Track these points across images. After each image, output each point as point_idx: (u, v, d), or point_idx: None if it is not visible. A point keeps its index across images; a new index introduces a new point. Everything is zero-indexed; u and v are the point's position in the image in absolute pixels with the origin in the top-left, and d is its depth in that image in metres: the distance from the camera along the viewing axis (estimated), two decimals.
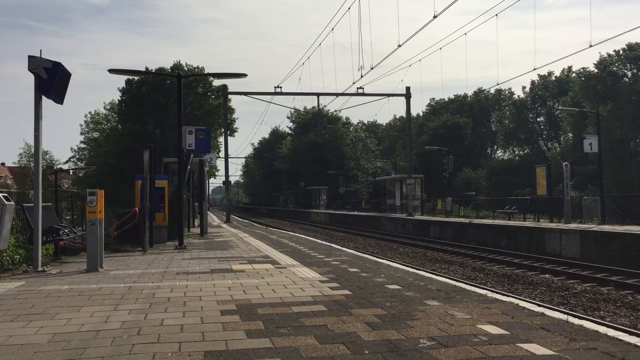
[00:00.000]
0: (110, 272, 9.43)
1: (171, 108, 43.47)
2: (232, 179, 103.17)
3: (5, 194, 9.36)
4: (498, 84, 72.56)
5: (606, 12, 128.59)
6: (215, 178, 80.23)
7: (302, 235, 21.94)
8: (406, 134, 37.07)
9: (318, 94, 36.00)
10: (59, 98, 10.05)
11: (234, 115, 51.01)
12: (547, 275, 13.97)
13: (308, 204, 65.34)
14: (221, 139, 48.03)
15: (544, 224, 21.13)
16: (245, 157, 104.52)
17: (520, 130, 64.59)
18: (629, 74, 48.55)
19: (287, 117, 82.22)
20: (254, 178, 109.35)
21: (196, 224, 23.86)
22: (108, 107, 59.53)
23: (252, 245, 14.92)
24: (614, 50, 49.33)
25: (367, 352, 4.29)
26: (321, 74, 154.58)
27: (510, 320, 5.29)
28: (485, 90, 72.68)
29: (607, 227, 17.77)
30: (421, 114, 75.94)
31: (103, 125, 60.04)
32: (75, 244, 13.65)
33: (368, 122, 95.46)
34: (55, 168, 49.29)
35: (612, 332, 4.86)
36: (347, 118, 79.07)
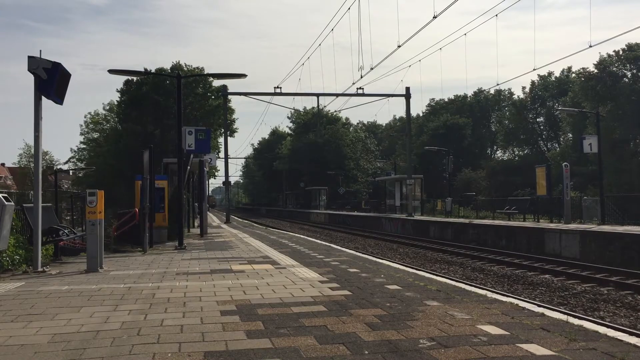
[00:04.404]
0: (110, 272, 9.43)
1: (171, 108, 43.44)
2: (232, 180, 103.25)
3: (5, 195, 9.36)
4: (498, 84, 72.56)
5: (606, 12, 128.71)
6: (215, 178, 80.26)
7: (301, 236, 21.95)
8: (406, 134, 37.08)
9: (318, 95, 36.09)
10: (58, 98, 10.05)
11: (233, 116, 51.01)
12: (547, 276, 13.97)
13: (308, 204, 65.34)
14: (221, 139, 48.04)
15: (544, 224, 21.13)
16: (245, 158, 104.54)
17: (520, 131, 64.59)
18: (629, 74, 48.55)
19: (288, 117, 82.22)
20: (254, 178, 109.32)
21: (196, 224, 23.86)
22: (107, 107, 59.60)
23: (252, 245, 14.92)
24: (614, 51, 49.36)
25: (367, 352, 4.29)
26: (321, 74, 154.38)
27: (510, 320, 5.30)
28: (485, 90, 72.75)
29: (606, 228, 17.77)
30: (421, 114, 75.95)
31: (103, 126, 60.06)
32: (75, 244, 13.63)
33: (368, 122, 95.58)
34: (55, 168, 49.28)
35: (612, 333, 4.86)
36: (347, 118, 79.16)
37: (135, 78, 45.43)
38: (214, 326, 5.19)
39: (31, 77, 9.77)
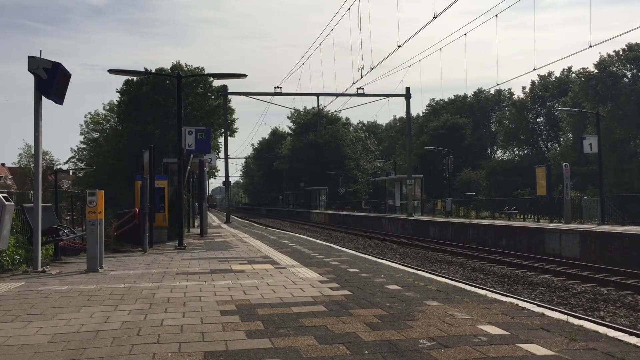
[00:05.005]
0: (110, 272, 9.43)
1: (171, 108, 43.49)
2: (232, 180, 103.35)
3: (5, 195, 9.36)
4: (498, 85, 72.57)
5: (606, 12, 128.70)
6: (215, 178, 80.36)
7: (301, 236, 21.94)
8: (406, 134, 37.08)
9: (318, 95, 36.00)
10: (58, 98, 10.05)
11: (234, 116, 50.98)
12: (547, 276, 13.97)
13: (308, 204, 65.37)
14: (221, 139, 48.04)
15: (544, 224, 21.13)
16: (245, 158, 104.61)
17: (520, 131, 64.59)
18: (629, 74, 48.59)
19: (288, 117, 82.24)
20: (254, 178, 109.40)
21: (196, 224, 23.86)
22: (107, 107, 59.62)
23: (252, 245, 14.92)
24: (614, 51, 49.44)
25: (367, 352, 4.29)
26: (321, 74, 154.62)
27: (510, 320, 5.30)
28: (485, 90, 72.76)
29: (606, 228, 17.77)
30: (421, 115, 75.95)
31: (103, 126, 60.10)
32: (75, 244, 13.64)
33: (368, 122, 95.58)
34: (55, 168, 49.35)
35: (612, 333, 4.86)
36: (347, 118, 79.13)
37: (135, 78, 45.43)
38: (214, 326, 5.18)
39: (31, 77, 9.77)
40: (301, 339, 4.66)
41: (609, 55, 48.91)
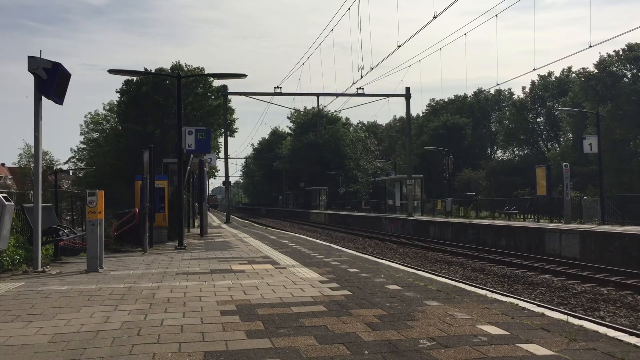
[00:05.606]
0: (110, 272, 9.43)
1: (171, 108, 43.52)
2: (232, 180, 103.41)
3: (5, 195, 9.37)
4: (498, 85, 72.58)
5: (606, 12, 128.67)
6: (215, 178, 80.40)
7: (302, 236, 21.94)
8: (406, 134, 37.10)
9: (318, 95, 36.00)
10: (58, 98, 10.05)
11: (233, 116, 51.03)
12: (547, 276, 13.97)
13: (308, 204, 65.39)
14: (221, 139, 48.07)
15: (544, 224, 21.13)
16: (245, 158, 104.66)
17: (520, 131, 64.63)
18: (629, 74, 48.61)
19: (287, 118, 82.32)
20: (254, 178, 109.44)
21: (196, 224, 23.86)
22: (107, 107, 59.66)
23: (252, 245, 14.92)
24: (614, 51, 49.47)
25: (367, 352, 4.29)
26: (321, 74, 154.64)
27: (510, 320, 5.30)
28: (485, 90, 72.78)
29: (607, 228, 17.77)
30: (421, 115, 76.00)
31: (103, 126, 60.15)
32: (75, 244, 13.64)
33: (368, 122, 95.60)
34: (55, 168, 49.35)
35: (612, 333, 4.86)
36: (347, 118, 79.20)
37: (135, 78, 45.44)
38: (214, 326, 5.18)
39: (31, 77, 9.77)
40: (301, 339, 4.66)
41: (609, 55, 48.94)
